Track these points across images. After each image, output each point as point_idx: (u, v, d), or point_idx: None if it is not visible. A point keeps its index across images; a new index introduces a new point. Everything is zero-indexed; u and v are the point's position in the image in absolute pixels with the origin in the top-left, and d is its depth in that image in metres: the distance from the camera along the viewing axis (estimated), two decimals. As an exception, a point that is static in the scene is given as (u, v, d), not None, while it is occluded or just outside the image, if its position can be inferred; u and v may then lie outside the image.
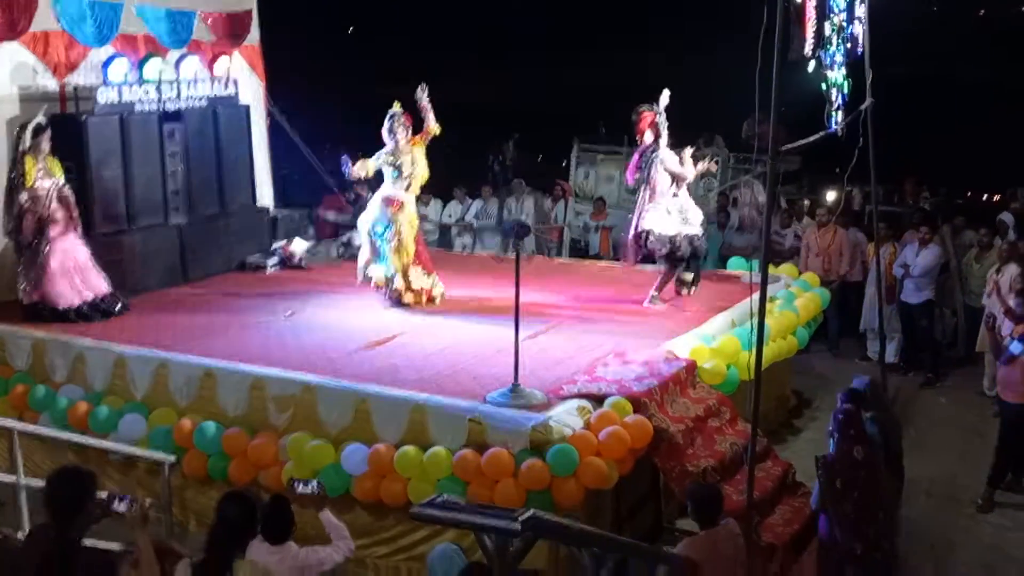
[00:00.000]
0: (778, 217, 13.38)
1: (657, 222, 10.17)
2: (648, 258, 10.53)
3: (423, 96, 10.04)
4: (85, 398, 8.72)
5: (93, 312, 9.76)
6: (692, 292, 10.43)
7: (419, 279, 10.22)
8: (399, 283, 10.13)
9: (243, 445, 7.90)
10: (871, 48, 9.79)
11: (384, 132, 10.10)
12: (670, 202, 10.20)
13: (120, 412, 8.46)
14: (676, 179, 10.22)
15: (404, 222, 10.12)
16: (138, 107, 10.96)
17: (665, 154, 10.16)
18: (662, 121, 10.17)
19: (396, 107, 10.17)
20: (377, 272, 10.19)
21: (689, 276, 10.43)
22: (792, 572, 7.34)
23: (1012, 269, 10.59)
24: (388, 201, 10.09)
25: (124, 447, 8.18)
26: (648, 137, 10.24)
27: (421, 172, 10.20)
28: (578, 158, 17.16)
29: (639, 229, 10.27)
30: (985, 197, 16.35)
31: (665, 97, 10.16)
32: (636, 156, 10.43)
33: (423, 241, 10.70)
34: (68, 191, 9.73)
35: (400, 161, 10.06)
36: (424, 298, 10.23)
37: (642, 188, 10.36)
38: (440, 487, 7.06)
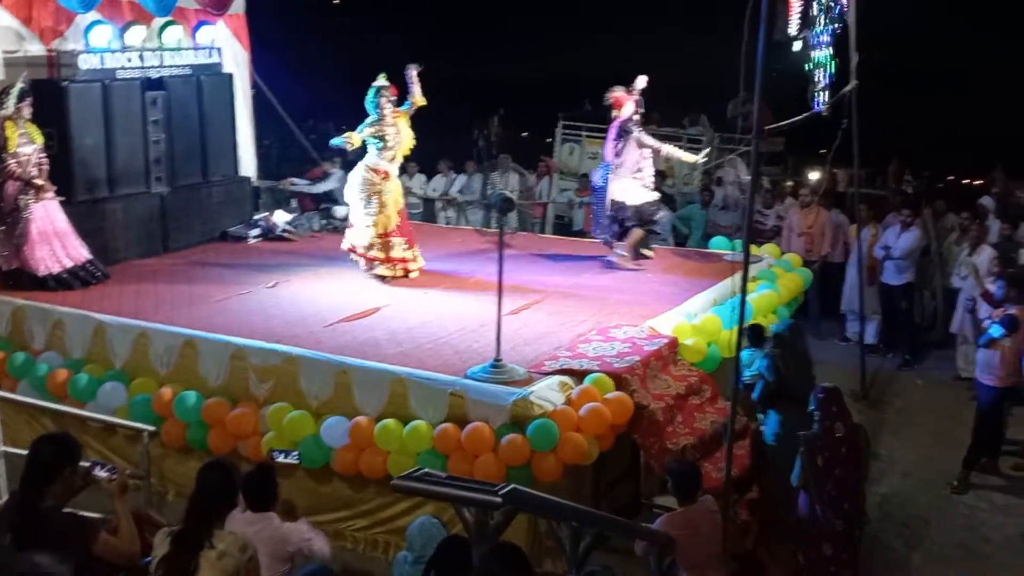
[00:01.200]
0: (761, 197, 13.40)
1: (628, 193, 10.59)
2: (620, 229, 10.80)
3: (414, 72, 10.04)
4: (64, 366, 8.69)
5: (73, 279, 9.70)
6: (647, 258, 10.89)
7: (399, 250, 10.21)
8: (378, 252, 10.11)
9: (223, 415, 7.89)
10: (857, 30, 9.83)
11: (368, 104, 10.06)
12: (636, 174, 10.65)
13: (100, 380, 8.43)
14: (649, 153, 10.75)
15: (388, 191, 10.10)
16: (120, 74, 10.85)
17: (641, 133, 10.62)
18: (640, 101, 10.53)
19: (381, 79, 10.13)
20: (357, 239, 10.17)
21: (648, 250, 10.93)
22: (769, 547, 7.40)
23: (987, 252, 10.69)
24: (373, 170, 10.07)
25: (103, 416, 8.14)
26: (627, 109, 10.50)
27: (406, 143, 10.20)
28: (563, 135, 17.10)
29: (609, 201, 10.63)
30: (967, 181, 16.39)
31: (642, 81, 10.51)
32: (614, 130, 10.65)
33: (406, 214, 10.67)
34: (45, 158, 9.64)
35: (385, 132, 10.04)
36: (401, 271, 10.21)
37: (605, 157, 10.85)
38: (420, 460, 7.07)
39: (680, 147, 13.38)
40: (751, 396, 7.73)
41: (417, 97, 10.12)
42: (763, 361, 7.59)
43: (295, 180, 13.59)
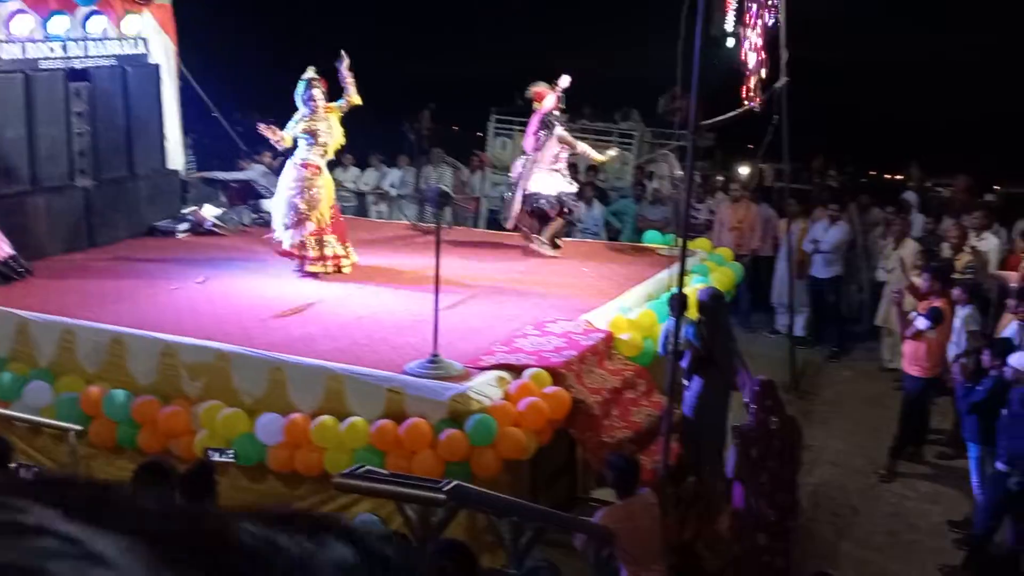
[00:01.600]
0: (693, 192, 13.54)
1: (545, 184, 10.92)
2: (539, 219, 11.11)
3: (344, 65, 9.96)
4: (-14, 364, 8.43)
5: (-6, 276, 9.43)
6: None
7: (332, 246, 10.10)
8: (311, 250, 9.98)
9: (154, 413, 7.72)
10: (788, 29, 9.98)
11: (298, 97, 9.94)
12: (554, 166, 11.01)
13: (25, 379, 8.20)
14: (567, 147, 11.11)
15: (319, 186, 9.98)
16: (43, 64, 10.57)
17: (561, 129, 10.93)
18: (562, 97, 10.86)
19: (310, 72, 10.01)
20: (288, 237, 10.04)
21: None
22: (706, 539, 7.49)
23: (911, 245, 10.94)
24: (303, 165, 9.94)
25: (29, 416, 7.92)
26: (549, 102, 10.78)
27: (336, 139, 10.10)
28: (495, 129, 17.08)
29: (527, 192, 10.92)
30: (889, 175, 16.76)
31: (565, 79, 10.81)
32: (536, 122, 10.91)
33: (339, 209, 10.56)
34: None
35: (316, 127, 9.92)
36: (333, 267, 10.10)
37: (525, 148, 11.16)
38: (357, 457, 7.01)
39: (610, 143, 13.77)
40: (679, 364, 7.81)
41: (352, 96, 10.02)
42: (689, 328, 7.68)
43: (216, 173, 13.36)
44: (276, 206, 10.15)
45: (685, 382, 7.85)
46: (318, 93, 9.94)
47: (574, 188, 11.40)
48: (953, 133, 20.62)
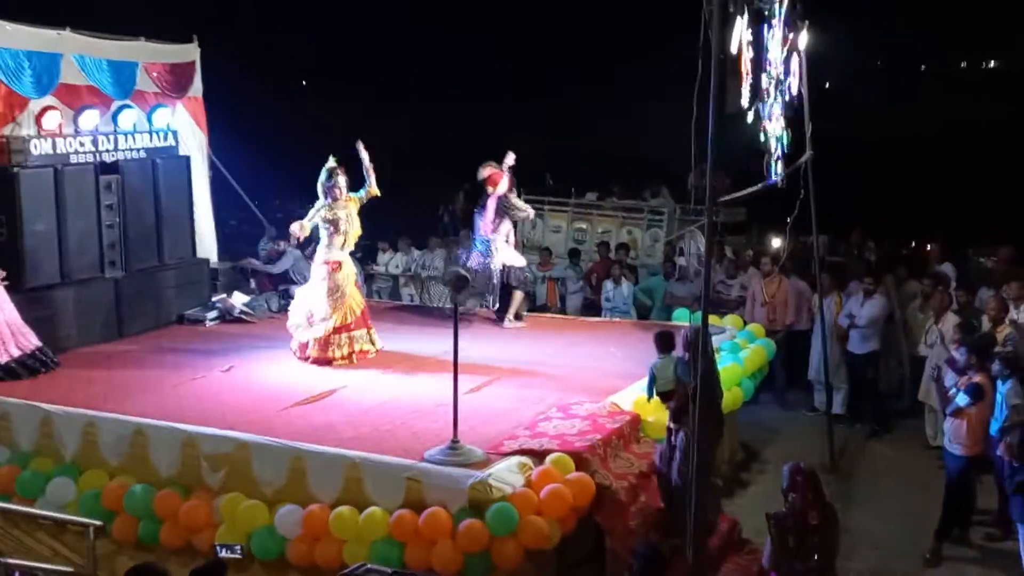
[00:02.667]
0: (723, 267, 13.39)
1: (512, 258, 11.56)
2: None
3: (363, 153, 10.01)
4: (12, 459, 8.41)
5: (21, 369, 9.46)
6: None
7: (358, 341, 10.09)
8: (336, 350, 9.96)
9: (175, 508, 7.63)
10: (811, 103, 9.90)
11: (320, 186, 10.00)
12: (507, 242, 11.62)
13: (48, 475, 8.15)
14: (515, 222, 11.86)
15: (342, 282, 10.00)
16: (73, 159, 10.73)
17: (515, 202, 11.62)
18: (512, 178, 11.42)
19: (332, 161, 10.09)
20: (311, 333, 10.00)
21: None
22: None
23: (950, 319, 10.65)
24: (325, 263, 10.00)
25: (49, 512, 7.85)
26: (503, 186, 11.26)
27: (356, 229, 10.16)
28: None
29: (504, 267, 11.44)
30: (927, 247, 16.45)
31: (511, 158, 11.36)
32: (495, 204, 11.38)
33: (362, 294, 10.56)
34: None
35: (337, 216, 9.97)
36: (355, 358, 10.05)
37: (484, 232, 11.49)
38: (376, 549, 6.86)
39: (642, 220, 13.80)
40: (667, 404, 7.77)
41: (372, 186, 10.15)
42: (684, 367, 7.58)
43: (252, 260, 13.45)
44: (299, 305, 10.12)
45: (671, 425, 7.65)
46: (341, 181, 9.99)
47: (524, 262, 11.96)
48: (994, 202, 20.32)
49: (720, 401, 7.80)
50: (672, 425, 7.68)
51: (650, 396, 7.96)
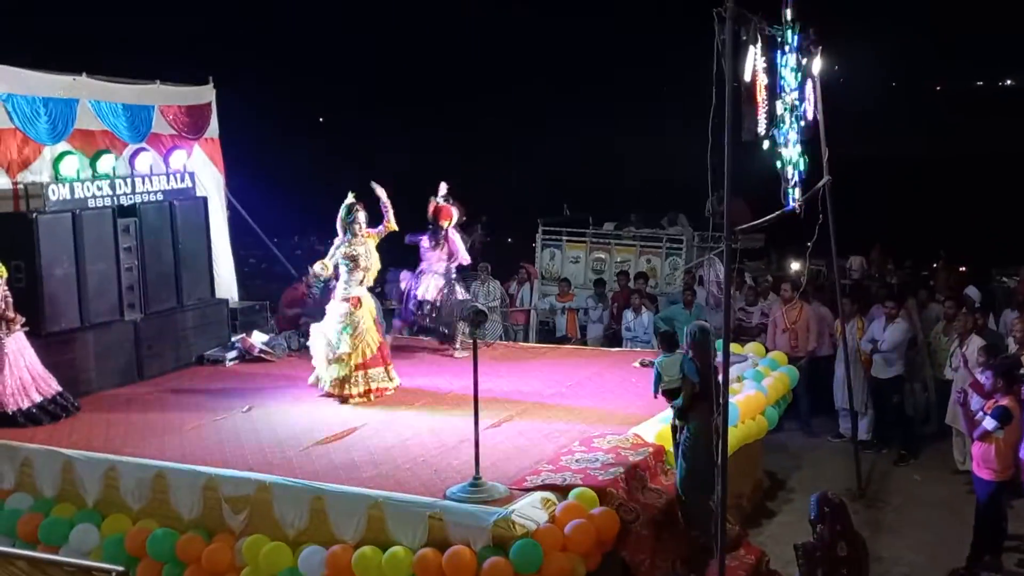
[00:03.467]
0: (744, 294, 13.31)
1: (459, 290, 11.78)
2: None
3: (379, 190, 10.06)
4: (34, 506, 8.37)
5: (42, 414, 9.43)
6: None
7: (376, 379, 10.05)
8: (353, 387, 9.93)
9: (198, 552, 7.57)
10: (827, 127, 9.86)
11: (339, 222, 10.03)
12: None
13: (71, 521, 8.11)
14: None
15: (361, 319, 9.99)
16: (91, 203, 10.78)
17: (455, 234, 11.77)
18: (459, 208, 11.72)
19: (351, 198, 10.13)
20: (331, 373, 9.99)
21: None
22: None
23: (975, 342, 10.53)
24: (345, 300, 10.01)
25: (74, 559, 7.78)
26: (455, 215, 11.66)
27: (375, 265, 10.17)
28: (543, 240, 17.09)
29: (464, 298, 11.68)
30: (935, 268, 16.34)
31: (443, 187, 11.66)
32: (457, 238, 11.71)
33: (382, 331, 10.53)
34: (8, 292, 9.47)
35: (356, 252, 9.99)
36: (375, 397, 10.01)
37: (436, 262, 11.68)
38: (399, 589, 6.77)
39: (661, 248, 13.77)
40: (672, 403, 7.76)
41: (390, 223, 10.21)
42: (690, 365, 7.59)
43: (288, 309, 13.21)
44: (319, 340, 10.11)
45: (677, 423, 7.69)
46: (361, 217, 10.03)
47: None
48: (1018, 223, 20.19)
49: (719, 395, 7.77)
50: (677, 423, 7.71)
51: (656, 393, 7.91)
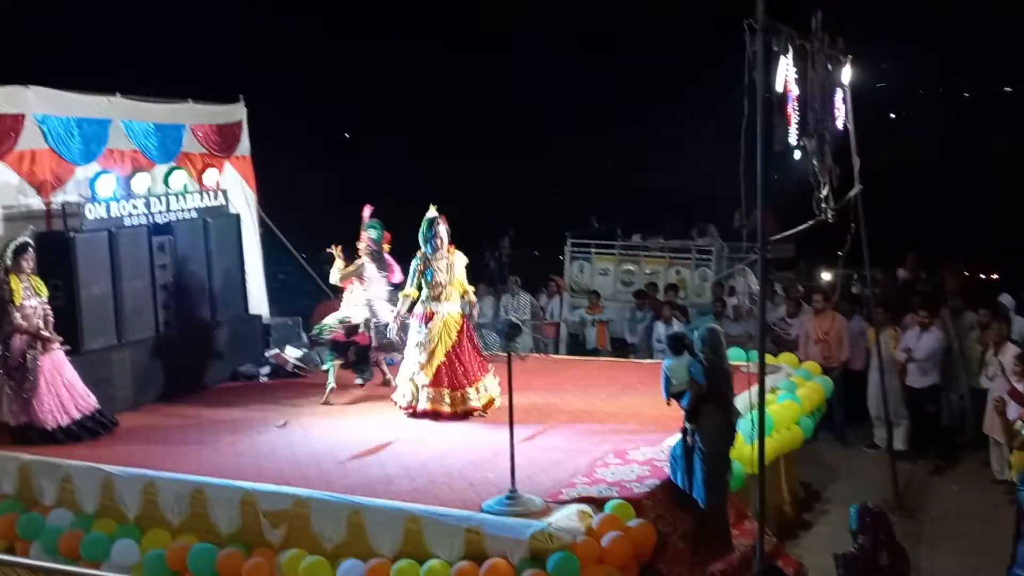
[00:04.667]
0: (785, 306, 13.27)
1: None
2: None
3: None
4: (75, 522, 8.44)
5: (81, 431, 9.55)
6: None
7: (474, 400, 9.80)
8: (432, 403, 9.74)
9: (238, 566, 7.61)
10: (857, 135, 9.84)
11: (421, 237, 9.86)
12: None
13: (111, 538, 8.19)
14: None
15: (437, 334, 9.74)
16: (127, 221, 10.92)
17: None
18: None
19: (432, 211, 9.93)
20: (413, 384, 9.83)
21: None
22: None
23: (1011, 350, 10.44)
24: (419, 316, 9.84)
25: (111, 575, 7.87)
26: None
27: (458, 279, 9.91)
28: (571, 253, 17.11)
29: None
30: (983, 277, 16.23)
31: (367, 211, 10.82)
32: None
33: (470, 348, 10.01)
34: (49, 310, 9.60)
35: (434, 267, 9.78)
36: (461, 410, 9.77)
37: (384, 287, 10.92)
38: (438, 604, 6.80)
39: (690, 259, 13.66)
40: (681, 404, 7.75)
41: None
42: (697, 367, 7.59)
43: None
44: (407, 358, 10.06)
45: (687, 426, 7.66)
46: (442, 231, 9.88)
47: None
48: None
49: (732, 401, 7.78)
50: (688, 426, 7.67)
51: (666, 397, 7.90)
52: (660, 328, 13.42)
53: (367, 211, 10.88)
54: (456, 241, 10.27)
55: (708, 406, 7.59)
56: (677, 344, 7.91)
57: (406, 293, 10.01)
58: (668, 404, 8.03)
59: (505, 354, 7.83)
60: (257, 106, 13.61)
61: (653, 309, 14.05)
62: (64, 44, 23.54)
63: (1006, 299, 12.49)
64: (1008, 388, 9.18)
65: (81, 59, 20.77)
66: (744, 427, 8.62)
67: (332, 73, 31.68)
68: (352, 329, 10.85)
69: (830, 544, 8.27)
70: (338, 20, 33.16)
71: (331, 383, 10.67)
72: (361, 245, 10.79)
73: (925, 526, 9.85)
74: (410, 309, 10.10)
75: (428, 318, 9.84)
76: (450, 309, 9.90)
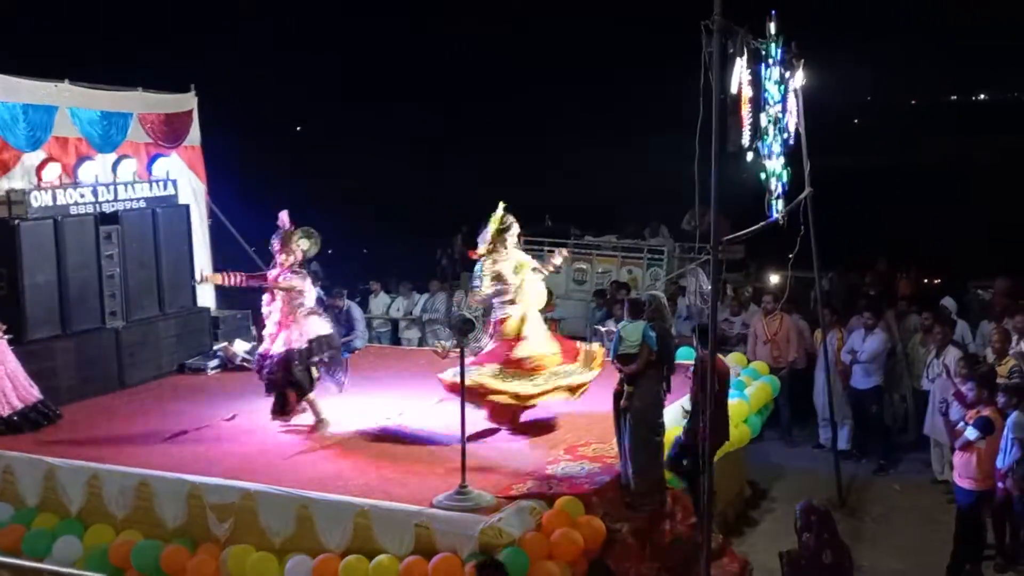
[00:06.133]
0: (727, 304, 13.39)
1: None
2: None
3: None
4: (16, 517, 8.29)
5: (23, 422, 9.37)
6: None
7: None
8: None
9: (182, 563, 7.52)
10: (808, 139, 9.95)
11: (488, 237, 9.19)
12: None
13: (53, 533, 8.04)
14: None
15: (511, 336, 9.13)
16: (73, 210, 10.73)
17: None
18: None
19: (500, 209, 9.21)
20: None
21: None
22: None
23: (953, 352, 10.65)
24: (492, 321, 9.27)
25: (54, 567, 7.73)
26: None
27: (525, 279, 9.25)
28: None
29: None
30: (926, 281, 16.50)
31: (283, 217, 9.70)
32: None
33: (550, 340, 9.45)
34: None
35: (500, 269, 9.13)
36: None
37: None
38: (386, 599, 6.77)
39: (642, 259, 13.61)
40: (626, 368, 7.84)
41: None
42: (651, 334, 7.73)
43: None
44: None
45: (626, 388, 7.76)
46: (514, 228, 9.20)
47: None
48: (994, 235, 20.45)
49: (671, 366, 8.00)
50: (627, 388, 7.78)
51: (613, 357, 7.99)
52: (611, 325, 13.47)
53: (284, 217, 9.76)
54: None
55: (651, 371, 7.76)
56: (635, 308, 7.98)
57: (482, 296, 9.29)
58: (614, 364, 8.01)
59: (457, 350, 7.82)
60: (211, 94, 13.42)
61: (608, 308, 14.11)
62: (12, 27, 23.07)
63: (948, 302, 12.72)
64: (952, 390, 9.36)
65: (30, 43, 20.39)
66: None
67: (280, 63, 31.44)
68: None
69: (776, 541, 8.39)
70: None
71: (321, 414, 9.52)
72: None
73: (868, 525, 10.02)
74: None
75: (501, 323, 9.28)
76: (518, 312, 9.36)
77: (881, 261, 15.34)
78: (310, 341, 9.44)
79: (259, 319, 13.19)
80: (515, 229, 9.27)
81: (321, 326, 9.63)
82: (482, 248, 9.26)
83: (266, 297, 9.69)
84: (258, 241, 14.86)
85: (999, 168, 25.77)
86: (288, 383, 9.38)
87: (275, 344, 9.45)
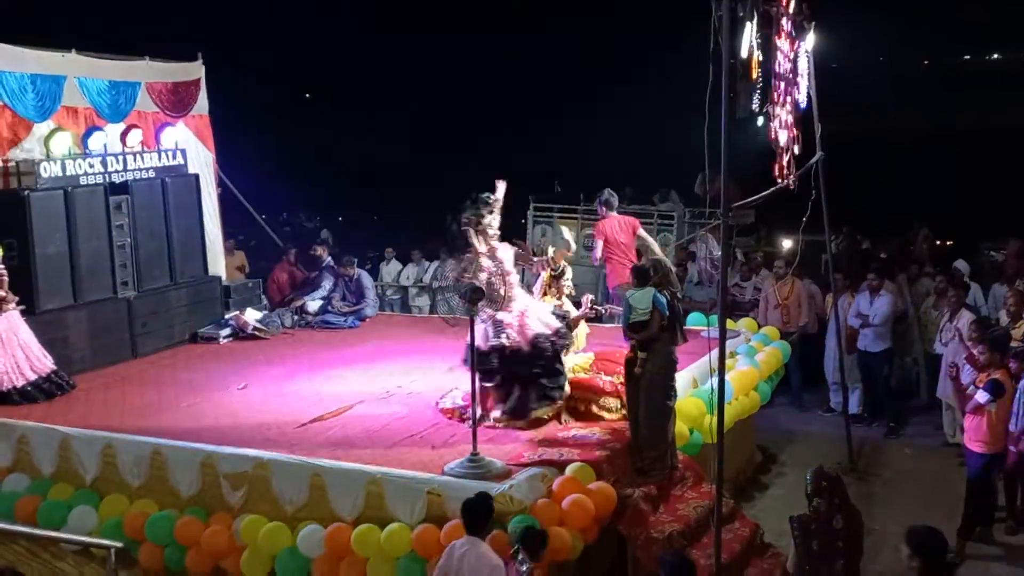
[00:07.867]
0: (738, 269, 13.36)
1: None
2: None
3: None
4: (32, 487, 8.35)
5: (37, 392, 9.44)
6: None
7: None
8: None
9: (196, 534, 7.56)
10: (819, 103, 9.87)
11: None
12: None
13: (69, 504, 8.10)
14: None
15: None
16: (83, 180, 10.74)
17: None
18: None
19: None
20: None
21: None
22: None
23: (966, 315, 10.61)
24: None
25: (66, 535, 7.81)
26: None
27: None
28: (534, 217, 17.07)
29: None
30: (938, 243, 16.42)
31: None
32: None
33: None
34: (3, 270, 9.44)
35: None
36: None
37: None
38: (399, 566, 6.82)
39: (652, 224, 13.60)
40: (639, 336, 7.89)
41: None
42: (661, 299, 7.81)
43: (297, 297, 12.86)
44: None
45: (639, 354, 7.83)
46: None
47: None
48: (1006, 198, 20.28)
49: (681, 330, 8.11)
50: (640, 354, 7.84)
51: (625, 325, 8.01)
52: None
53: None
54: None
55: (664, 335, 7.83)
56: (641, 275, 8.00)
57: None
58: (625, 332, 8.02)
59: (468, 317, 7.81)
60: (220, 64, 13.35)
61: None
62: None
63: (961, 265, 12.67)
64: (965, 353, 9.34)
65: (38, 13, 20.30)
66: (704, 395, 8.72)
67: (292, 30, 31.24)
68: None
69: (787, 506, 8.41)
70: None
71: None
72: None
73: (878, 488, 10.04)
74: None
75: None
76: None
77: (918, 226, 15.31)
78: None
79: (268, 288, 13.31)
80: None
81: None
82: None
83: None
84: (267, 210, 14.94)
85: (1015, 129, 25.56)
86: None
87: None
